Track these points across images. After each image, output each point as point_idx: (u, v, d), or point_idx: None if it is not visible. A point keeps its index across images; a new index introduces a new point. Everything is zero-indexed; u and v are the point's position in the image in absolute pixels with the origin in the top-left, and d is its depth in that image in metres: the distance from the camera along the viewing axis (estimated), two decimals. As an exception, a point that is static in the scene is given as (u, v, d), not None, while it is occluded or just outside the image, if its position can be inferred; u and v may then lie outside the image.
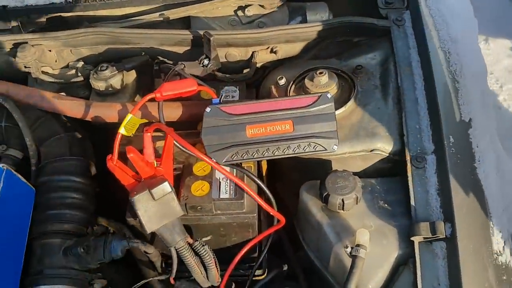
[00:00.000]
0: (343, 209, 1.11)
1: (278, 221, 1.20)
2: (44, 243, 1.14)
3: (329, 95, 1.11)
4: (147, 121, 1.15)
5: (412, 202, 1.08)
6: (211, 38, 1.20)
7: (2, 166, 1.11)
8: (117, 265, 1.26)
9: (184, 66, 1.21)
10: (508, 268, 1.05)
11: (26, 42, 1.28)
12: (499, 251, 1.07)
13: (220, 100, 1.11)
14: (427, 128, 1.17)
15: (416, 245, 1.03)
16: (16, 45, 1.28)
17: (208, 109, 1.09)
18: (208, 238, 1.21)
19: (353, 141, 1.19)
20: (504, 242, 1.10)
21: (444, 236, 1.02)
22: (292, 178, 1.38)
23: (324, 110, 1.10)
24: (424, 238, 1.03)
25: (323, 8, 1.44)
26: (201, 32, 1.25)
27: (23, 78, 1.37)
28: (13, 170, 1.14)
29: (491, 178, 1.15)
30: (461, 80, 1.22)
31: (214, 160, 1.09)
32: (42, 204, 1.19)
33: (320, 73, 1.23)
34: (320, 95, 1.11)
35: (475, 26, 1.52)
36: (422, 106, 1.19)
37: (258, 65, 1.39)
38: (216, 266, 1.13)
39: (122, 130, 1.04)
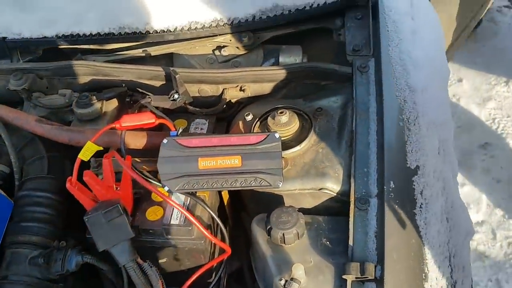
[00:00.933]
0: (284, 243, 1.17)
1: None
2: (14, 252, 1.25)
3: (276, 135, 1.19)
4: (102, 148, 1.25)
5: (350, 242, 1.12)
6: (177, 76, 1.31)
7: (-18, 180, 1.24)
8: (83, 279, 1.36)
9: (151, 100, 1.32)
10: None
11: (20, 70, 1.44)
12: (433, 298, 1.10)
13: (177, 133, 1.21)
14: (374, 172, 1.21)
15: (348, 284, 1.07)
16: (11, 73, 1.44)
17: (165, 141, 1.19)
18: (164, 260, 1.29)
19: (304, 179, 1.25)
20: (441, 289, 1.12)
21: (373, 277, 1.06)
22: (253, 209, 1.45)
23: (271, 148, 1.18)
24: (356, 277, 1.07)
25: (297, 52, 1.53)
26: (170, 69, 1.36)
27: (21, 101, 1.52)
28: (-7, 184, 1.27)
29: (434, 226, 1.18)
30: (413, 128, 1.27)
31: (167, 188, 1.18)
32: (17, 216, 1.30)
33: (281, 112, 1.31)
34: (268, 134, 1.19)
35: (446, 77, 1.56)
36: (373, 151, 1.24)
37: (232, 101, 1.49)
38: (163, 286, 1.21)
39: (81, 156, 1.15)
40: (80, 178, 1.17)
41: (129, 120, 1.22)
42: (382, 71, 1.35)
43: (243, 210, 1.52)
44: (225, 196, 1.40)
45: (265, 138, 1.19)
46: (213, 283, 1.31)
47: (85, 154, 1.15)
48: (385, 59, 1.38)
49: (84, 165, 1.23)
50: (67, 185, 1.14)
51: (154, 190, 1.15)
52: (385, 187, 1.16)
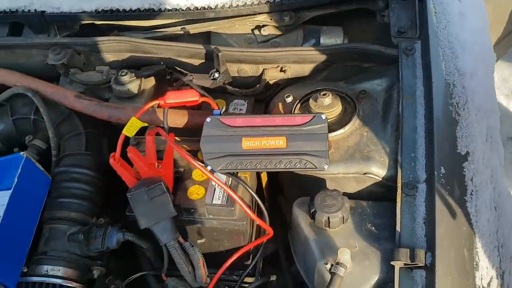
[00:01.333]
0: (329, 226, 1.15)
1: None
2: (52, 228, 1.25)
3: (323, 116, 1.16)
4: (148, 125, 1.23)
5: (398, 228, 1.09)
6: (219, 54, 1.28)
7: (22, 154, 1.22)
8: (120, 256, 1.35)
9: (193, 78, 1.29)
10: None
11: (59, 45, 1.41)
12: (483, 287, 1.07)
13: (221, 112, 1.18)
14: (422, 157, 1.18)
15: (396, 270, 1.05)
16: (49, 47, 1.42)
17: (208, 119, 1.16)
18: (203, 240, 1.27)
19: (348, 163, 1.22)
20: (491, 278, 1.09)
21: (424, 264, 1.03)
22: (292, 193, 1.43)
23: (317, 130, 1.15)
24: (405, 264, 1.05)
25: (338, 33, 1.49)
26: (212, 47, 1.33)
27: (57, 76, 1.50)
28: (33, 159, 1.26)
29: (484, 214, 1.14)
30: (463, 113, 1.23)
31: (210, 167, 1.15)
32: (56, 192, 1.30)
33: (324, 94, 1.27)
34: (315, 115, 1.16)
35: (492, 64, 1.51)
36: (420, 135, 1.21)
37: (270, 82, 1.46)
38: (204, 267, 1.19)
39: (125, 131, 1.13)
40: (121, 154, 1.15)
41: (173, 97, 1.20)
42: (430, 54, 1.31)
43: (280, 193, 1.50)
44: (264, 178, 1.38)
45: (311, 119, 1.16)
46: (251, 266, 1.29)
47: (129, 130, 1.13)
48: (433, 42, 1.34)
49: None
50: (111, 160, 1.12)
51: (200, 168, 1.12)
52: (435, 173, 1.12)
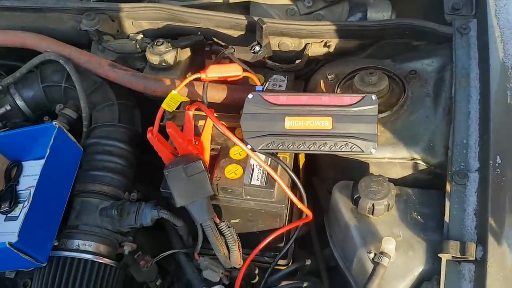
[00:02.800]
0: (372, 214, 1.09)
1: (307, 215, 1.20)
2: (84, 201, 1.21)
3: (373, 97, 1.08)
4: (189, 99, 1.17)
5: (446, 219, 1.03)
6: (264, 26, 1.21)
7: (55, 124, 1.18)
8: (148, 232, 1.32)
9: (234, 51, 1.22)
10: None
11: (92, 10, 1.35)
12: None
13: (263, 88, 1.12)
14: (475, 144, 1.11)
15: (443, 263, 0.99)
16: (83, 12, 1.35)
17: (250, 96, 1.10)
18: (236, 221, 1.23)
19: (395, 147, 1.15)
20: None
21: (474, 259, 0.98)
22: (329, 175, 1.37)
23: (367, 112, 1.08)
24: (453, 257, 0.99)
25: (386, 7, 1.40)
26: (256, 19, 1.25)
27: (87, 43, 1.45)
28: (64, 129, 1.22)
29: (541, 208, 1.08)
30: (522, 100, 1.15)
31: (250, 147, 1.10)
32: (87, 164, 1.26)
33: (371, 73, 1.20)
34: (365, 96, 1.09)
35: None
36: (474, 121, 1.14)
37: (311, 57, 1.38)
38: (239, 249, 1.16)
39: (164, 105, 1.08)
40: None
41: (215, 71, 1.13)
42: (487, 34, 1.22)
43: (314, 174, 1.45)
44: (302, 159, 1.32)
45: (360, 100, 1.09)
46: (285, 248, 1.25)
47: (169, 104, 1.08)
48: (491, 21, 1.25)
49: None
50: (148, 135, 1.07)
51: (245, 148, 1.07)
52: (490, 162, 1.05)
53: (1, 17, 1.45)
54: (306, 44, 1.34)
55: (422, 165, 1.15)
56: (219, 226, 1.12)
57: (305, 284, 1.21)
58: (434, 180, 1.15)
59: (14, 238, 1.00)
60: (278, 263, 1.27)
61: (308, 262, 1.28)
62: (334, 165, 1.29)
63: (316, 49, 1.35)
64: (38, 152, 1.24)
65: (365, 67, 1.25)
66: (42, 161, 1.16)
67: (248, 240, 1.21)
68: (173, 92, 1.10)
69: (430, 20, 1.33)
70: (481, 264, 0.97)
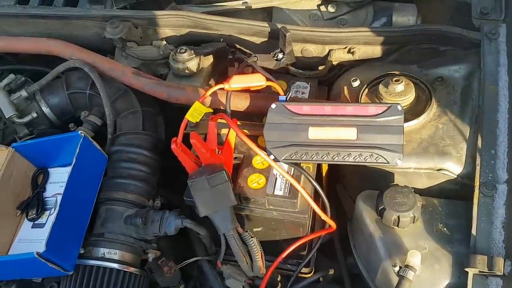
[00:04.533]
0: (398, 226, 1.08)
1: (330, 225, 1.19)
2: (109, 208, 1.23)
3: (399, 107, 1.06)
4: (212, 110, 1.17)
5: (473, 231, 1.01)
6: (287, 34, 1.19)
7: (81, 133, 1.20)
8: (172, 239, 1.33)
9: (257, 59, 1.22)
10: None
11: (116, 18, 1.36)
12: None
13: (286, 98, 1.11)
14: (504, 155, 1.08)
15: (470, 277, 0.98)
16: (107, 19, 1.36)
17: (273, 106, 1.09)
18: (259, 229, 1.23)
19: (421, 157, 1.13)
20: None
21: (502, 274, 0.96)
22: (353, 183, 1.36)
23: (392, 122, 1.06)
24: (480, 271, 0.98)
25: (412, 11, 1.37)
26: (279, 26, 1.24)
27: (111, 50, 1.46)
28: (89, 137, 1.23)
29: None
30: (553, 109, 1.12)
31: (273, 157, 1.09)
32: (112, 171, 1.28)
33: (396, 80, 1.18)
34: (390, 106, 1.06)
35: None
36: (502, 131, 1.11)
37: (334, 63, 1.36)
38: (262, 259, 1.16)
39: (188, 116, 1.08)
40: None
41: (238, 81, 1.13)
42: (517, 40, 1.18)
43: (338, 181, 1.43)
44: (325, 168, 1.31)
45: (386, 110, 1.07)
46: (308, 257, 1.25)
47: (193, 115, 1.08)
48: (521, 26, 1.21)
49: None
50: (172, 146, 1.07)
51: (268, 159, 1.06)
52: (520, 174, 1.03)
53: (27, 24, 1.47)
54: (330, 50, 1.33)
55: (448, 176, 1.13)
56: (242, 236, 1.12)
57: (328, 293, 1.21)
58: (460, 190, 1.13)
59: (42, 248, 1.02)
60: (300, 271, 1.27)
61: (332, 271, 1.28)
62: (358, 174, 1.27)
63: (340, 55, 1.33)
64: (63, 159, 1.26)
65: (390, 73, 1.23)
66: (68, 168, 1.18)
67: (270, 248, 1.21)
68: (197, 102, 1.09)
69: (457, 24, 1.29)
70: (509, 279, 0.95)
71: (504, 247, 0.99)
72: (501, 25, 1.25)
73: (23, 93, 1.37)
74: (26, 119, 1.36)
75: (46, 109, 1.41)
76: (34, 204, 1.23)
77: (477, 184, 1.06)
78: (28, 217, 1.22)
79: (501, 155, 1.09)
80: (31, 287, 1.27)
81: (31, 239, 1.17)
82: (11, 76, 1.41)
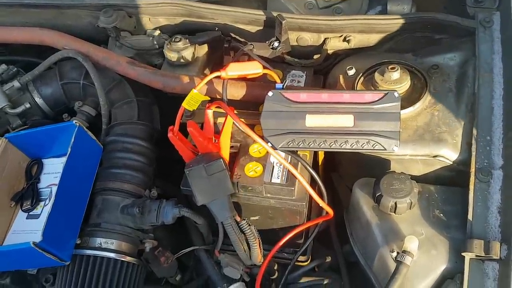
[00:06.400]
0: (395, 212, 1.09)
1: (327, 212, 1.19)
2: (105, 199, 1.22)
3: (396, 94, 1.07)
4: (209, 98, 1.17)
5: (470, 217, 1.02)
6: (283, 22, 1.19)
7: (75, 123, 1.18)
8: (168, 227, 1.33)
9: (253, 47, 1.21)
10: None
11: (109, 7, 1.34)
12: None
13: (283, 86, 1.11)
14: (499, 141, 1.09)
15: (466, 262, 0.98)
16: (100, 8, 1.35)
17: (270, 93, 1.09)
18: (256, 218, 1.23)
19: (417, 144, 1.14)
20: None
21: (498, 258, 0.96)
22: (349, 171, 1.36)
23: (389, 109, 1.06)
24: (476, 256, 0.98)
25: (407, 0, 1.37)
26: (275, 14, 1.24)
27: (105, 39, 1.44)
28: (84, 127, 1.22)
29: None
30: (548, 95, 1.13)
31: (270, 144, 1.09)
32: (107, 161, 1.26)
33: (392, 68, 1.18)
34: (387, 93, 1.07)
35: None
36: (497, 117, 1.11)
37: (330, 52, 1.36)
38: (260, 247, 1.16)
39: (185, 105, 1.07)
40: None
41: (235, 69, 1.13)
42: (511, 27, 1.19)
43: (334, 170, 1.44)
44: (321, 156, 1.31)
45: (382, 97, 1.07)
46: (305, 245, 1.25)
47: (190, 103, 1.07)
48: (515, 13, 1.22)
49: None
50: (169, 134, 1.07)
51: (267, 147, 1.06)
52: (514, 159, 1.04)
53: (18, 14, 1.45)
54: (325, 38, 1.33)
55: (444, 162, 1.14)
56: (239, 224, 1.12)
57: (325, 282, 1.21)
58: (456, 177, 1.14)
59: (38, 238, 1.01)
60: (297, 259, 1.28)
61: (328, 259, 1.28)
62: (354, 162, 1.28)
63: (335, 44, 1.33)
64: (58, 149, 1.24)
65: (385, 62, 1.24)
66: (62, 159, 1.17)
67: (267, 237, 1.21)
68: (194, 91, 1.09)
69: (452, 12, 1.30)
70: (505, 263, 0.96)
71: (500, 232, 1.00)
72: (495, 13, 1.26)
73: (16, 83, 1.35)
74: (19, 109, 1.34)
75: (39, 100, 1.39)
76: (28, 195, 1.21)
77: (472, 170, 1.07)
78: (23, 208, 1.20)
79: (496, 141, 1.10)
80: (26, 280, 1.26)
81: (26, 230, 1.16)
82: (3, 66, 1.39)
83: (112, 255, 1.15)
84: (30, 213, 1.20)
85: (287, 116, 1.09)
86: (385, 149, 1.07)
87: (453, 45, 1.27)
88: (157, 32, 1.38)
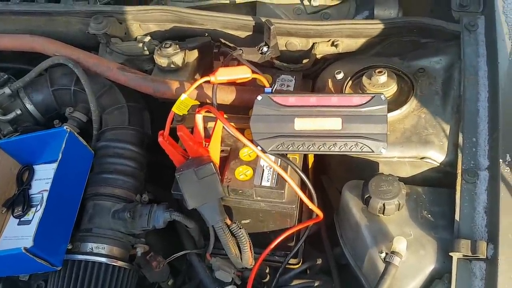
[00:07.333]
0: (383, 213, 1.10)
1: (317, 215, 1.20)
2: (96, 204, 1.22)
3: (383, 97, 1.09)
4: (199, 103, 1.18)
5: (457, 217, 1.04)
6: (272, 27, 1.21)
7: (66, 128, 1.19)
8: (159, 232, 1.33)
9: (242, 52, 1.23)
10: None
11: (100, 13, 1.35)
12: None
13: (272, 90, 1.12)
14: (484, 142, 1.11)
15: (454, 261, 1.00)
16: (90, 15, 1.36)
17: (259, 97, 1.10)
18: (247, 221, 1.24)
19: (404, 146, 1.16)
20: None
21: (485, 257, 0.98)
22: (338, 174, 1.38)
23: (376, 112, 1.08)
24: (464, 255, 1.00)
25: (393, 4, 1.39)
26: (264, 20, 1.25)
27: (95, 46, 1.45)
28: (75, 133, 1.22)
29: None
30: (531, 97, 1.15)
31: (260, 148, 1.10)
32: (98, 167, 1.27)
33: (379, 72, 1.20)
34: (374, 96, 1.09)
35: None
36: (483, 119, 1.14)
37: (318, 56, 1.38)
38: (251, 250, 1.16)
39: (175, 109, 1.08)
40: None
41: (224, 74, 1.14)
42: (495, 31, 1.21)
43: (323, 173, 1.45)
44: (311, 159, 1.33)
45: (369, 100, 1.09)
46: (296, 248, 1.26)
47: (180, 107, 1.08)
48: (499, 18, 1.24)
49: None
50: (159, 139, 1.08)
51: (257, 151, 1.07)
52: (500, 160, 1.06)
53: (9, 21, 1.45)
54: (314, 43, 1.35)
55: (431, 164, 1.16)
56: (230, 228, 1.13)
57: (316, 284, 1.22)
58: (443, 178, 1.16)
59: (29, 243, 1.02)
60: (288, 262, 1.29)
61: (319, 261, 1.30)
62: (344, 164, 1.29)
63: (323, 48, 1.35)
64: (49, 155, 1.25)
65: (373, 66, 1.25)
66: (53, 165, 1.17)
67: (258, 240, 1.22)
68: (183, 95, 1.10)
69: (437, 17, 1.32)
70: (492, 262, 0.97)
71: (486, 232, 1.01)
72: (480, 17, 1.28)
73: (7, 90, 1.36)
74: (10, 116, 1.35)
75: (30, 106, 1.40)
76: (19, 201, 1.22)
77: (459, 171, 1.08)
78: (14, 214, 1.20)
79: (482, 142, 1.12)
80: (18, 286, 1.25)
81: (18, 236, 1.16)
82: (-7, 73, 1.40)
83: (103, 259, 1.15)
84: (21, 219, 1.20)
85: (276, 119, 1.10)
86: (372, 151, 1.09)
87: (439, 49, 1.29)
88: (147, 38, 1.39)
